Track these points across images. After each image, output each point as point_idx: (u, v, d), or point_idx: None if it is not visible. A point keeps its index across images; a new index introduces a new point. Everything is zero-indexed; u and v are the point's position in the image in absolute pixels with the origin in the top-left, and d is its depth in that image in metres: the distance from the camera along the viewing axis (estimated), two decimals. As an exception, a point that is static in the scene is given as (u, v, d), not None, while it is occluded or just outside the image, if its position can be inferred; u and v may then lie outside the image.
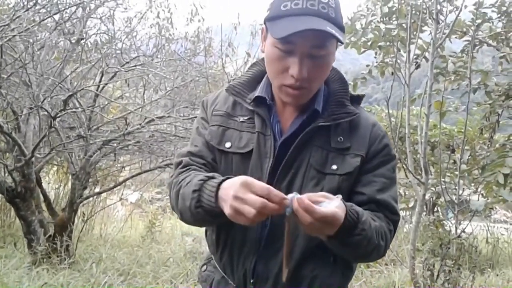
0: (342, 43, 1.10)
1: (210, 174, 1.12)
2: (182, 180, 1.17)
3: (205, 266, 1.33)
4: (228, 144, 1.21)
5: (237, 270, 1.20)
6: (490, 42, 4.13)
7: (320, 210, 0.94)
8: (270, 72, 1.16)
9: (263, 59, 1.27)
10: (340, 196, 1.02)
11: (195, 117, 4.44)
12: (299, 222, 0.96)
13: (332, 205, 0.97)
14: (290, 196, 0.96)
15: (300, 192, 0.99)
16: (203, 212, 1.08)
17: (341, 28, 1.10)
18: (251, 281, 1.18)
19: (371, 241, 1.09)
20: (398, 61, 3.67)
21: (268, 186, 0.96)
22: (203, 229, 1.36)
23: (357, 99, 1.27)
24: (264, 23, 1.14)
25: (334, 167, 1.15)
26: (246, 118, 1.23)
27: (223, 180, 1.05)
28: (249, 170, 1.17)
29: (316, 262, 1.17)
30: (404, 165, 3.53)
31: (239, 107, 1.26)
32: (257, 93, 1.23)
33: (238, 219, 0.98)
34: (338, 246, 1.08)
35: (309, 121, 1.18)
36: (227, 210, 0.99)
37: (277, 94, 1.20)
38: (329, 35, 1.04)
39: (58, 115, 3.67)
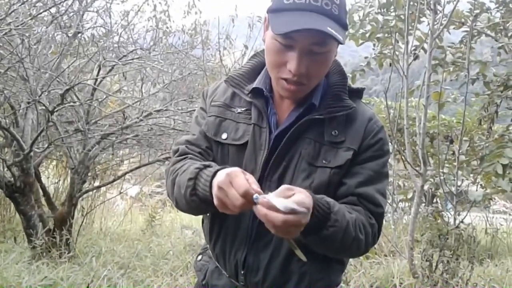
0: (342, 43, 1.06)
1: (206, 163, 1.12)
2: (179, 168, 1.18)
3: (200, 256, 1.35)
4: (224, 136, 1.21)
5: (229, 260, 1.21)
6: (489, 32, 4.12)
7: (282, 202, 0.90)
8: (268, 64, 1.15)
9: (263, 50, 1.26)
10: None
11: (193, 110, 4.48)
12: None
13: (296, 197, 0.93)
14: (258, 197, 0.93)
15: (291, 184, 0.97)
16: (197, 200, 1.09)
17: (344, 26, 1.08)
18: (242, 272, 1.18)
19: (347, 233, 1.06)
20: (396, 52, 3.66)
21: (247, 187, 0.93)
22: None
23: (356, 93, 1.25)
24: (267, 13, 1.12)
25: (326, 160, 1.14)
26: (243, 109, 1.23)
27: (219, 170, 1.04)
28: (244, 162, 1.17)
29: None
30: (402, 157, 3.54)
31: (238, 98, 1.25)
32: (255, 84, 1.22)
33: (224, 210, 0.99)
34: (315, 241, 1.05)
35: (304, 114, 1.17)
36: (214, 200, 1.00)
37: (275, 86, 1.19)
38: (328, 35, 1.01)
39: (56, 109, 3.65)
